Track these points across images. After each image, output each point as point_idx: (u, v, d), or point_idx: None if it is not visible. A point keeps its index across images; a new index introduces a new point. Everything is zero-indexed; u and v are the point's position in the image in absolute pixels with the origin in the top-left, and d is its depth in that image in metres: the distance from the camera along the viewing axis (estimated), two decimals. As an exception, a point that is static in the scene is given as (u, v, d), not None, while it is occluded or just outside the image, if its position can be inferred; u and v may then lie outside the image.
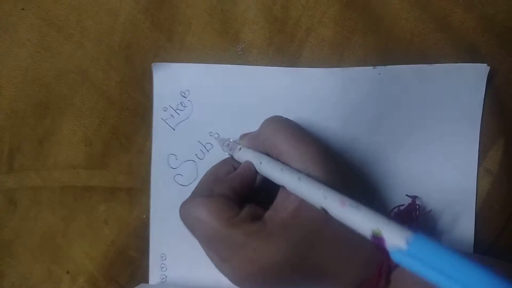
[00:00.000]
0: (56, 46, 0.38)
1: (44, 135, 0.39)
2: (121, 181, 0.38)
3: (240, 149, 0.32)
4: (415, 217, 0.33)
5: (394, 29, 0.36)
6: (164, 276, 0.38)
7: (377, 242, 0.23)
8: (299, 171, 0.27)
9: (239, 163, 0.32)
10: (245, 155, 0.32)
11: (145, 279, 0.38)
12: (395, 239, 0.22)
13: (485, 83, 0.35)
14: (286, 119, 0.31)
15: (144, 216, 0.38)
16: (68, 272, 0.39)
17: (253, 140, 0.32)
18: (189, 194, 0.37)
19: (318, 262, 0.27)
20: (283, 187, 0.28)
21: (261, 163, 0.30)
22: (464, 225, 0.35)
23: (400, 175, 0.36)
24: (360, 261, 0.28)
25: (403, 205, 0.34)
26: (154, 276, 0.38)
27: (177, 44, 0.38)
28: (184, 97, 0.37)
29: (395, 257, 0.22)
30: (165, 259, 0.38)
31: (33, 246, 0.39)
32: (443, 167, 0.36)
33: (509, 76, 0.35)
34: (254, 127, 0.33)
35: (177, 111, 0.37)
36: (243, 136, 0.34)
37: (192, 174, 0.37)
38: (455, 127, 0.35)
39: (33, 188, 0.39)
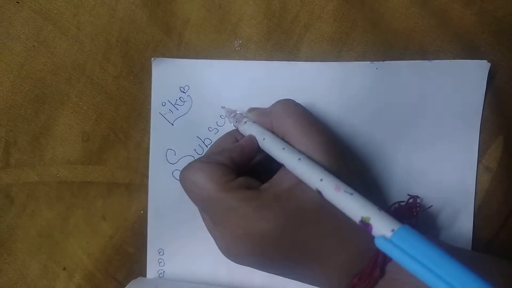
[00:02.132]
0: (52, 40, 0.38)
1: (41, 130, 0.38)
2: (118, 176, 0.38)
3: (245, 122, 0.33)
4: (414, 213, 0.33)
5: (393, 25, 0.36)
6: (162, 271, 0.38)
7: (364, 228, 0.24)
8: (301, 152, 0.28)
9: (243, 137, 0.33)
10: (250, 129, 0.32)
11: (143, 275, 0.38)
12: (382, 227, 0.23)
13: (486, 80, 0.35)
14: (299, 104, 0.32)
15: (142, 211, 0.38)
16: (64, 269, 0.39)
17: (260, 116, 0.32)
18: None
19: (308, 244, 0.27)
20: (284, 166, 0.29)
21: (264, 139, 0.30)
22: (462, 222, 0.35)
23: (399, 171, 0.36)
24: (353, 250, 0.28)
25: (404, 201, 0.34)
26: (151, 271, 0.38)
27: (175, 39, 0.37)
28: (183, 92, 0.37)
29: (379, 243, 0.23)
30: (163, 254, 0.38)
31: (29, 242, 0.39)
32: (442, 164, 0.36)
33: (509, 72, 0.35)
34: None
35: (176, 106, 0.37)
36: (252, 109, 0.34)
37: (191, 170, 0.37)
38: (455, 124, 0.35)
39: (30, 183, 0.38)
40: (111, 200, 0.38)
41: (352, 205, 0.25)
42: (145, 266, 0.38)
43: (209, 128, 0.37)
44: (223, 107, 0.37)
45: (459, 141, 0.35)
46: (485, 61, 0.35)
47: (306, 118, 0.30)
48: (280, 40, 0.37)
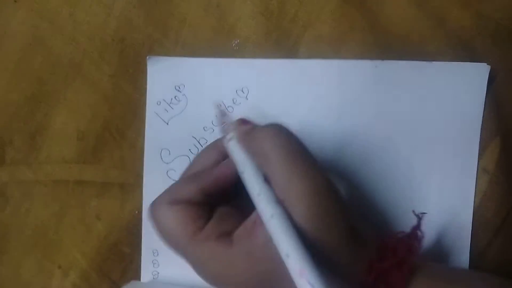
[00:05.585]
0: (49, 39, 0.38)
1: (36, 128, 0.38)
2: (113, 176, 0.38)
3: (230, 139, 0.28)
4: (415, 251, 0.29)
5: (391, 25, 0.36)
6: (156, 272, 0.38)
7: None
8: (279, 203, 0.24)
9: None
10: (232, 151, 0.28)
11: (137, 275, 0.38)
12: None
13: (486, 83, 0.35)
14: (291, 134, 0.26)
15: (137, 211, 0.38)
16: (59, 267, 0.39)
17: (245, 137, 0.27)
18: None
19: None
20: None
21: (243, 172, 0.26)
22: (461, 224, 0.35)
23: (397, 172, 0.36)
24: None
25: (403, 232, 0.30)
26: (146, 272, 0.38)
27: (172, 38, 0.37)
28: (179, 91, 0.37)
29: None
30: (157, 255, 0.37)
31: (24, 241, 0.39)
32: (441, 165, 0.35)
33: (505, 74, 0.35)
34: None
35: (171, 105, 0.37)
36: (239, 123, 0.28)
37: (185, 170, 0.37)
38: (455, 126, 0.35)
39: (25, 182, 0.38)
40: (105, 199, 0.38)
41: None
42: (139, 266, 0.38)
43: (205, 128, 0.37)
44: (217, 107, 0.33)
45: (459, 142, 0.35)
46: (484, 64, 0.35)
47: (293, 156, 0.25)
48: (279, 40, 0.37)
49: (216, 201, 0.28)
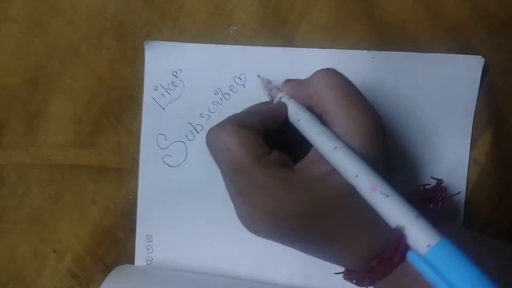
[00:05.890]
0: (48, 22, 0.38)
1: (34, 112, 0.38)
2: (109, 160, 0.38)
3: (280, 98, 0.30)
4: (440, 198, 0.31)
5: (387, 16, 0.36)
6: (150, 258, 0.38)
7: (398, 235, 0.23)
8: (338, 138, 0.26)
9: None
10: (287, 105, 0.29)
11: (131, 260, 0.38)
12: (417, 240, 0.22)
13: (480, 76, 0.35)
14: (343, 76, 0.28)
15: (132, 196, 0.38)
16: (54, 251, 0.39)
17: (297, 89, 0.29)
18: (177, 175, 0.37)
19: (334, 227, 0.26)
20: None
21: (299, 120, 0.28)
22: (452, 214, 0.35)
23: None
24: (376, 235, 0.27)
25: (429, 184, 0.32)
26: (140, 258, 0.38)
27: (169, 24, 0.37)
28: (176, 76, 0.37)
29: (411, 258, 0.22)
30: (151, 240, 0.38)
31: (20, 224, 0.39)
32: (434, 156, 0.35)
33: (499, 67, 0.35)
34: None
35: (168, 90, 0.37)
36: (288, 82, 0.30)
37: (181, 155, 0.37)
38: (448, 118, 0.35)
39: (22, 165, 0.39)
40: (101, 184, 0.38)
41: (387, 210, 0.23)
42: (133, 251, 0.38)
43: (201, 114, 0.37)
44: (259, 76, 0.35)
45: (451, 133, 0.35)
46: (479, 57, 0.35)
47: (349, 94, 0.27)
48: (275, 27, 0.37)
49: (271, 140, 0.28)
